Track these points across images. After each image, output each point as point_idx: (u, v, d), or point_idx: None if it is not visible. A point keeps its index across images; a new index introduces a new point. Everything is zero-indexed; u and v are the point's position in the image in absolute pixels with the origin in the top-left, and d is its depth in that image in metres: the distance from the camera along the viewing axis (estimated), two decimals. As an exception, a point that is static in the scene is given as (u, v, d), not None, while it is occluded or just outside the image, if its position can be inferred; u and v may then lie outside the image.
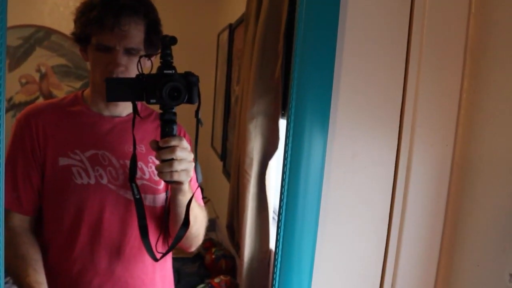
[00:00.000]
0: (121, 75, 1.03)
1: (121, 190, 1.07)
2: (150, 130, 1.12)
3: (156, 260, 1.06)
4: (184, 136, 1.16)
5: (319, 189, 0.93)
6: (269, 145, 1.75)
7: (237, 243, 1.95)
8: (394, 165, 0.97)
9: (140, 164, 1.10)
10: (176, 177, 0.94)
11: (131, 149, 1.03)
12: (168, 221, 1.12)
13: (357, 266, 1.00)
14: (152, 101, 0.94)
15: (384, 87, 0.96)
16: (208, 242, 2.04)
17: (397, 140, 0.97)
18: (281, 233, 0.92)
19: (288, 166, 0.90)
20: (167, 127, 0.94)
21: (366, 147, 0.96)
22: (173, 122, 0.94)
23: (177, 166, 0.93)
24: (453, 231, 1.00)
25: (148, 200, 1.10)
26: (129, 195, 1.07)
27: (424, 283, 1.02)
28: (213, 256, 1.94)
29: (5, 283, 2.42)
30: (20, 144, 1.08)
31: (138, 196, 1.04)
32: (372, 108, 0.96)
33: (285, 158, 0.90)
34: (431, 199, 0.99)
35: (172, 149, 0.92)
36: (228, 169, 2.25)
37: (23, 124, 1.09)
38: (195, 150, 1.01)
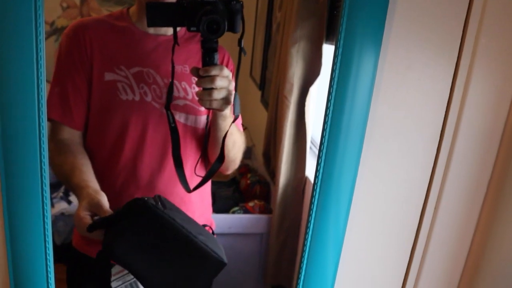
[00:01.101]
0: None
1: (165, 108, 1.07)
2: (195, 50, 1.08)
3: (189, 191, 1.08)
4: (228, 62, 1.16)
5: (367, 107, 0.89)
6: (311, 71, 1.69)
7: (273, 171, 1.96)
8: (451, 80, 0.91)
9: (183, 84, 1.10)
10: (215, 105, 0.96)
11: (176, 69, 1.03)
12: (207, 145, 1.14)
13: (401, 188, 0.97)
14: (192, 29, 0.92)
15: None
16: (244, 167, 2.05)
17: (457, 53, 0.89)
18: (323, 156, 0.89)
19: (336, 79, 0.86)
20: (208, 56, 0.93)
21: (422, 59, 0.89)
22: (214, 50, 0.93)
23: (217, 95, 0.94)
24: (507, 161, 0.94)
25: (190, 120, 1.11)
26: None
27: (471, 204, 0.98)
28: (248, 182, 1.96)
29: (53, 198, 2.53)
30: (68, 57, 1.07)
31: (173, 125, 1.04)
32: (432, 16, 0.88)
33: (333, 71, 0.85)
34: (488, 122, 0.93)
35: (212, 78, 0.93)
36: (266, 99, 2.22)
37: (71, 36, 1.08)
38: (236, 79, 1.00)
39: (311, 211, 0.92)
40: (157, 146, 1.09)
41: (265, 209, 1.84)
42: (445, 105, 0.92)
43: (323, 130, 0.87)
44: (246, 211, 1.82)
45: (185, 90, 1.10)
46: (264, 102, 2.27)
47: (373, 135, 0.91)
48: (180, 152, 1.07)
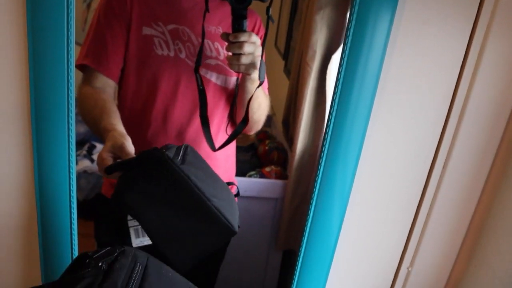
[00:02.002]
0: None
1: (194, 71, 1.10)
2: (229, 12, 1.10)
3: (214, 150, 1.12)
4: (259, 27, 1.21)
5: (381, 60, 0.89)
6: (334, 38, 1.68)
7: (291, 138, 1.97)
8: (468, 37, 0.89)
9: (216, 44, 1.14)
10: (243, 69, 1.02)
11: (210, 29, 1.08)
12: (235, 105, 1.19)
13: (410, 146, 0.97)
14: None
15: None
16: (263, 133, 2.07)
17: (476, 8, 0.88)
18: (335, 106, 0.90)
19: (352, 29, 0.86)
20: (237, 23, 0.97)
21: (439, 15, 0.88)
22: (243, 17, 0.97)
23: (245, 60, 0.99)
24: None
25: (220, 80, 1.15)
26: (203, 72, 1.12)
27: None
28: (266, 148, 1.98)
29: (77, 155, 2.61)
30: (109, 8, 1.10)
31: (201, 87, 1.08)
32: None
33: (349, 21, 0.85)
34: (503, 82, 0.91)
35: (241, 44, 0.97)
36: (289, 68, 2.22)
37: None
38: (263, 46, 1.03)
39: (319, 166, 0.94)
40: (187, 101, 1.13)
41: (281, 175, 1.86)
42: (460, 62, 0.91)
43: (337, 80, 0.88)
44: (262, 175, 1.85)
45: (217, 50, 1.14)
46: (287, 71, 2.27)
47: (385, 89, 0.91)
48: (207, 112, 1.11)
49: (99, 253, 0.69)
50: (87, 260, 0.67)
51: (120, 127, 0.98)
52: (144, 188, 0.81)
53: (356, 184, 0.96)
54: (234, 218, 0.86)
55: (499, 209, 0.97)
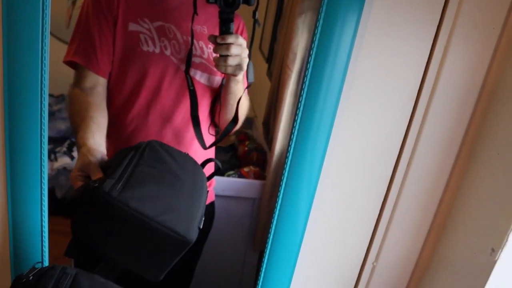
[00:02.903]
0: None
1: (182, 64, 1.13)
2: (215, 12, 1.12)
3: (205, 148, 1.15)
4: (242, 30, 1.24)
5: (347, 61, 0.91)
6: (315, 42, 1.71)
7: (271, 139, 2.00)
8: (433, 37, 0.92)
9: (200, 43, 1.17)
10: (230, 71, 1.05)
11: (195, 28, 1.10)
12: (220, 106, 1.22)
13: (374, 148, 1.00)
14: (211, 1, 0.98)
15: None
16: (243, 135, 2.09)
17: (440, 12, 0.91)
18: (301, 108, 0.92)
19: (319, 28, 0.88)
20: (224, 26, 1.00)
21: (405, 17, 0.91)
22: (231, 20, 1.00)
23: (232, 61, 1.02)
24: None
25: (204, 78, 1.18)
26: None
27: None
28: (246, 148, 2.00)
29: (57, 152, 2.57)
30: (96, 4, 1.11)
31: (192, 88, 1.11)
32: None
33: (317, 21, 0.88)
34: (465, 83, 0.95)
35: (228, 46, 1.00)
36: (272, 71, 2.24)
37: None
38: (249, 48, 1.07)
39: (286, 160, 0.96)
40: (170, 98, 1.15)
41: (260, 175, 1.88)
42: (425, 63, 0.94)
43: (303, 81, 0.90)
44: (240, 175, 1.86)
45: (201, 49, 1.17)
46: (270, 74, 2.30)
47: (352, 87, 0.94)
48: (198, 112, 1.14)
49: (31, 271, 0.76)
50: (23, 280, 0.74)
51: (92, 141, 0.98)
52: (93, 225, 0.82)
53: (322, 181, 0.98)
54: (190, 224, 0.85)
55: (459, 208, 1.01)
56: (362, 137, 0.98)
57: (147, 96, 1.14)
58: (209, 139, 1.23)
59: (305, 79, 0.90)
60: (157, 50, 1.12)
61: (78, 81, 1.11)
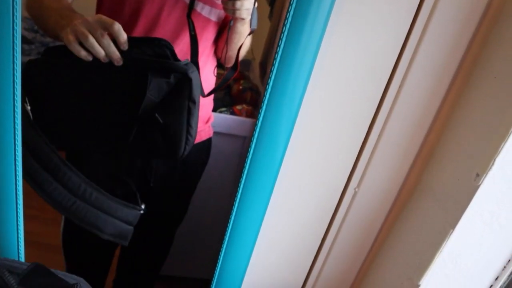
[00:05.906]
0: None
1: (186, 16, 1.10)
2: None
3: (203, 95, 1.13)
4: None
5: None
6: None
7: (267, 80, 1.98)
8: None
9: None
10: (237, 14, 1.06)
11: None
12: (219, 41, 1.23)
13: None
14: None
15: None
16: (238, 74, 2.07)
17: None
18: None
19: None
20: None
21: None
22: None
23: (239, 5, 1.03)
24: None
25: (205, 10, 1.15)
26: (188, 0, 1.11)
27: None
28: (240, 87, 1.99)
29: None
30: None
31: (193, 33, 1.10)
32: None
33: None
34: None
35: None
36: (273, 14, 2.20)
37: None
38: None
39: (269, 80, 0.94)
40: (168, 29, 1.12)
41: (252, 114, 1.87)
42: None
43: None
44: (232, 113, 1.86)
45: None
46: (272, 17, 2.26)
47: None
48: (198, 58, 1.13)
49: None
50: None
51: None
52: None
53: (306, 104, 0.97)
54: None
55: (448, 135, 1.00)
56: (352, 56, 0.96)
57: (144, 26, 1.11)
58: (211, 81, 1.23)
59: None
60: None
61: None
